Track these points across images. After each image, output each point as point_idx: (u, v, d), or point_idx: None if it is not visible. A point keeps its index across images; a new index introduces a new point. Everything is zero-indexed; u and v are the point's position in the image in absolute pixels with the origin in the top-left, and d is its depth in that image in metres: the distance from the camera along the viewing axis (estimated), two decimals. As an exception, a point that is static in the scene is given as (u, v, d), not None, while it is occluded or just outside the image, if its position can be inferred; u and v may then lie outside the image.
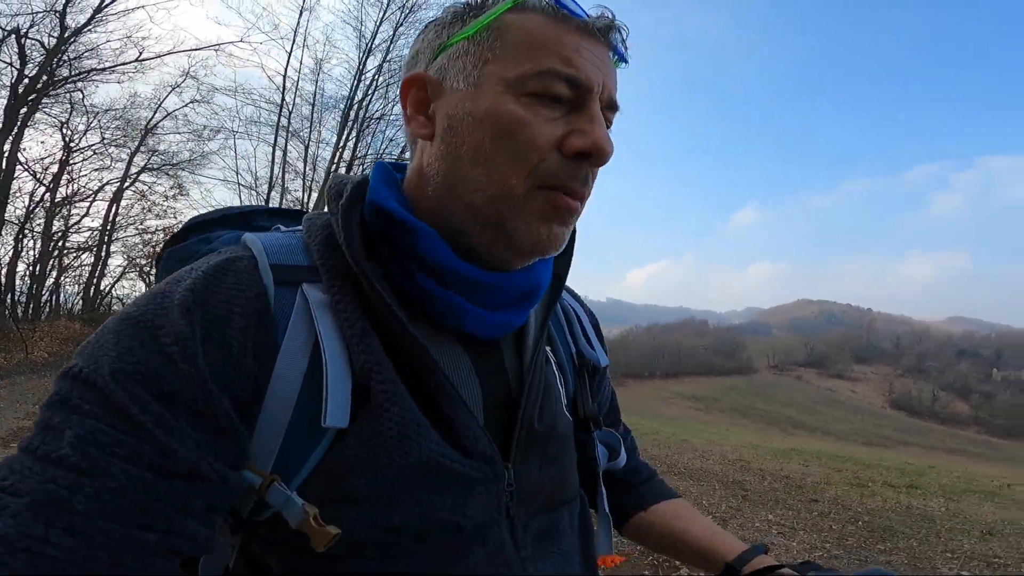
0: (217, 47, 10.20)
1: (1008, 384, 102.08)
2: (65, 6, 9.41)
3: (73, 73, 10.29)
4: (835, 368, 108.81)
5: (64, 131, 12.90)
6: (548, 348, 0.66)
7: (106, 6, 10.03)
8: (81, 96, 11.25)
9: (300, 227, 0.57)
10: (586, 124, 0.51)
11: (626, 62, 0.57)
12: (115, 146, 13.21)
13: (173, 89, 12.19)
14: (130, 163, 13.62)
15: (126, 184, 13.86)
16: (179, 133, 13.19)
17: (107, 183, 14.18)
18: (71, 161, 13.67)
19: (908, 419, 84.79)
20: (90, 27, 9.84)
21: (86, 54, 10.31)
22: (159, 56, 10.68)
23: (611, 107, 0.54)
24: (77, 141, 13.40)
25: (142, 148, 13.39)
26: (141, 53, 10.43)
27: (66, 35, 9.49)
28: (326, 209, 0.57)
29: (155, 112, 12.88)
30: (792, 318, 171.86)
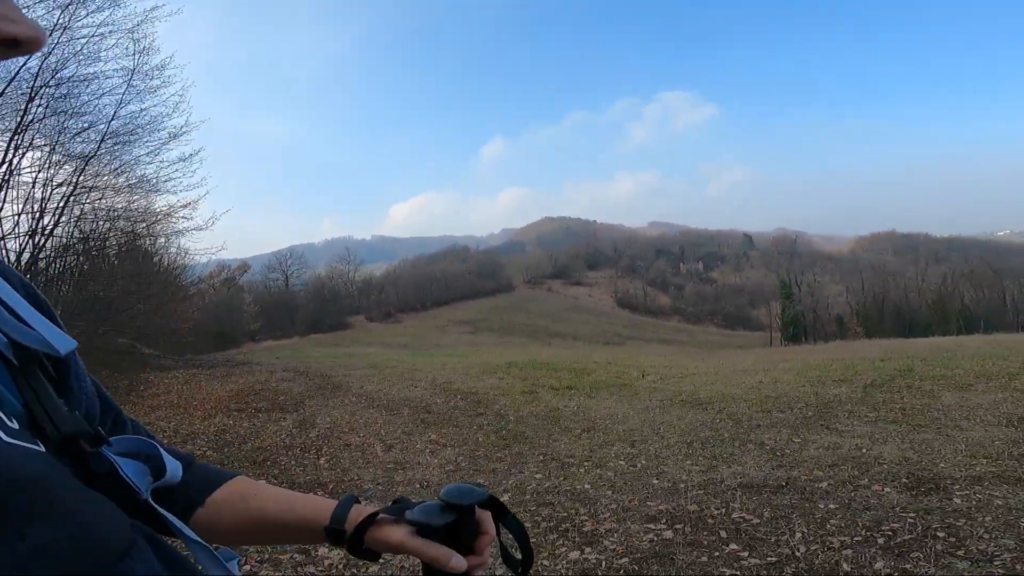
0: None
1: (691, 275, 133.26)
2: None
3: None
4: (574, 276, 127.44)
5: None
6: None
7: None
8: None
9: None
10: (12, 10, 0.42)
11: None
12: None
13: None
14: None
15: None
16: None
17: None
18: None
19: (631, 315, 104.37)
20: None
21: None
22: None
23: None
24: None
25: None
26: None
27: None
28: None
29: None
30: (539, 234, 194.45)
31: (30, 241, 11.16)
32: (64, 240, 12.95)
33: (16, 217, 11.09)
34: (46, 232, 11.50)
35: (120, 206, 13.25)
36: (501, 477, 5.27)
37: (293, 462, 5.86)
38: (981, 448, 4.86)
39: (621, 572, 3.09)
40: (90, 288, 15.64)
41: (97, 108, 11.22)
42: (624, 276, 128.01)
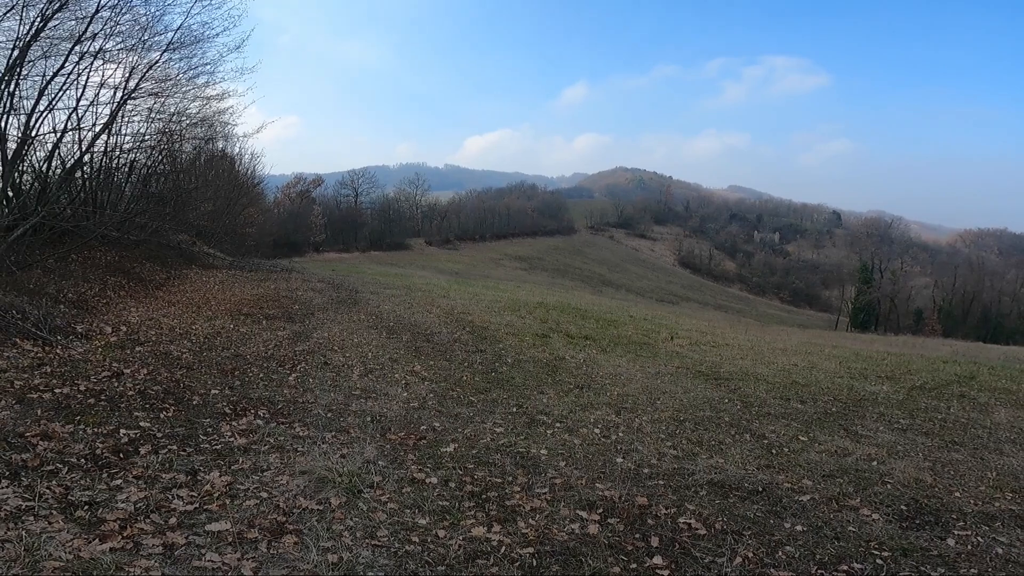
0: None
1: (763, 244, 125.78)
2: None
3: None
4: (639, 229, 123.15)
5: None
6: None
7: None
8: None
9: None
10: None
11: None
12: None
13: None
14: None
15: None
16: None
17: None
18: None
19: (691, 276, 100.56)
20: None
21: None
22: None
23: None
24: None
25: None
26: None
27: None
28: None
29: None
30: (609, 184, 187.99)
31: (100, 136, 11.60)
32: (140, 137, 13.54)
33: (88, 109, 11.47)
34: (114, 127, 11.99)
35: (192, 111, 13.88)
36: (460, 424, 4.89)
37: (261, 375, 5.72)
38: (1014, 479, 4.01)
39: (516, 565, 2.64)
40: (160, 183, 16.35)
41: (167, 18, 11.71)
42: (691, 235, 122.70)
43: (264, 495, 2.98)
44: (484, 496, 3.41)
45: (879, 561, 2.65)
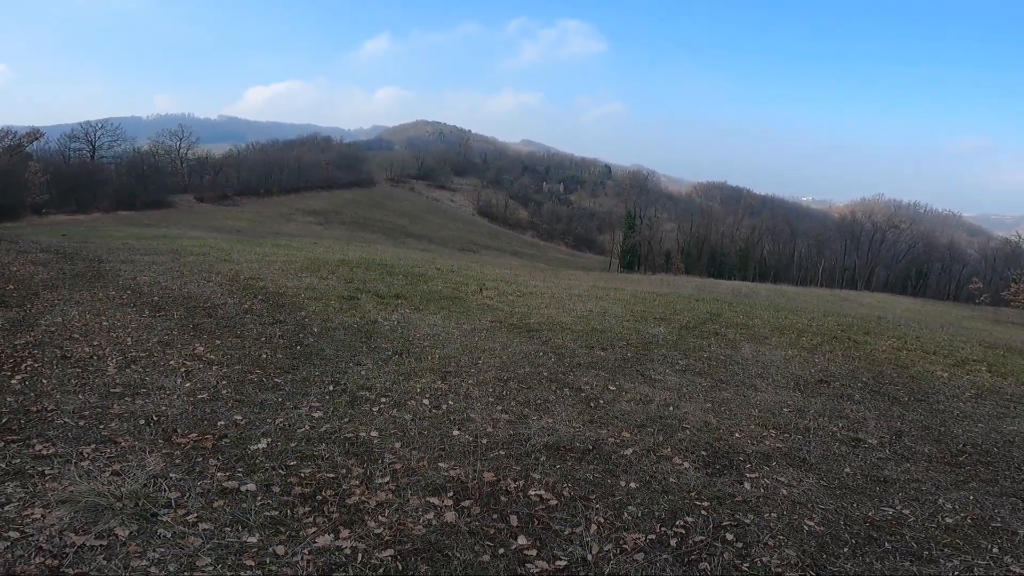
0: None
1: (551, 194, 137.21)
2: None
3: None
4: (439, 180, 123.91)
5: None
6: None
7: None
8: None
9: None
10: None
11: None
12: None
13: None
14: None
15: None
16: None
17: None
18: None
19: (490, 224, 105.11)
20: None
21: None
22: None
23: None
24: None
25: None
26: None
27: None
28: None
29: None
30: (411, 136, 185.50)
31: None
32: None
33: None
34: None
35: None
36: (268, 413, 4.20)
37: (-39, 381, 4.16)
38: (771, 416, 4.90)
39: (380, 572, 2.33)
40: None
41: None
42: (489, 186, 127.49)
43: (14, 535, 2.17)
44: (319, 497, 2.97)
45: (703, 512, 2.96)
